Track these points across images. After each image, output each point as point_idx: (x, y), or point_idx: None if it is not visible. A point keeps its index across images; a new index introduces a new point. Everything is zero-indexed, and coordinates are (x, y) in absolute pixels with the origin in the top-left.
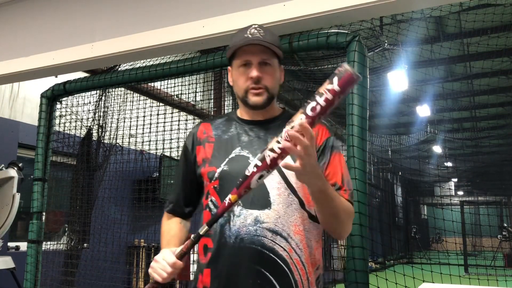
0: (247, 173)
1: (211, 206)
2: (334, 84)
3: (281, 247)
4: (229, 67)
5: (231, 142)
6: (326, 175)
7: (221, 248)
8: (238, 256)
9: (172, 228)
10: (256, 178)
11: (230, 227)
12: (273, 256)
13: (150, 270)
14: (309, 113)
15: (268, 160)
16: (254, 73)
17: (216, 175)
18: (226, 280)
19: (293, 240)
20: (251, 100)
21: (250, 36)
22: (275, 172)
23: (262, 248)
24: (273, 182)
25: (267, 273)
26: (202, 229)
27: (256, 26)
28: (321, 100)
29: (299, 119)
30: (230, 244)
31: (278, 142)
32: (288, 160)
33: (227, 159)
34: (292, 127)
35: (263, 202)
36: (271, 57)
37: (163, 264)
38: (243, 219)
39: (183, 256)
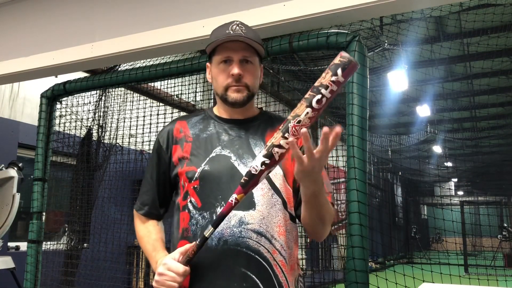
0: (254, 171)
1: (190, 207)
2: (339, 75)
3: (266, 248)
4: (207, 63)
5: (211, 141)
6: None
7: (202, 251)
8: (222, 259)
9: (151, 231)
10: (264, 175)
11: None
12: (258, 258)
13: (155, 284)
14: (315, 106)
15: (276, 156)
16: (235, 70)
17: (197, 175)
18: (208, 284)
19: (277, 241)
20: (230, 96)
21: (231, 32)
22: None
23: (247, 250)
24: None
25: (252, 276)
26: (208, 231)
27: (238, 22)
28: (326, 92)
29: (306, 112)
30: (213, 247)
31: (285, 137)
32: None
33: (207, 159)
34: (299, 122)
35: (247, 202)
36: (252, 54)
37: (171, 275)
38: (227, 220)
39: (190, 262)
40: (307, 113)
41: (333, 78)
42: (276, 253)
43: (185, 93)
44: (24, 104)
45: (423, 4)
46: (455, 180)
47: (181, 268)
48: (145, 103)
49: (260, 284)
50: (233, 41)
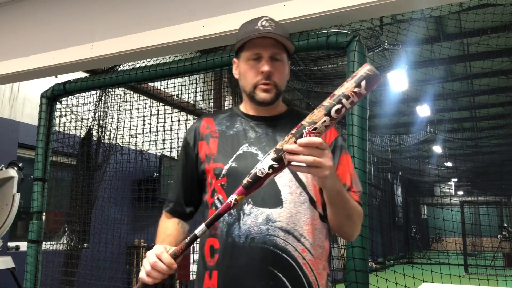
0: (260, 174)
1: (218, 205)
2: (362, 87)
3: (293, 247)
4: (234, 59)
5: (238, 138)
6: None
7: (229, 249)
8: (249, 257)
9: (168, 227)
10: (270, 179)
11: (239, 226)
12: (285, 256)
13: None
14: (334, 115)
15: (285, 161)
16: (265, 67)
17: (224, 172)
18: (235, 282)
19: (306, 240)
20: (259, 96)
21: (261, 28)
22: (285, 170)
23: (274, 248)
24: (284, 180)
25: (279, 274)
26: (200, 230)
27: (267, 18)
28: (347, 102)
29: (323, 120)
30: (240, 244)
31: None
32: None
33: (234, 156)
34: (315, 129)
35: (274, 200)
36: (281, 51)
37: (153, 260)
38: (254, 217)
39: (177, 258)
40: (324, 121)
41: (356, 90)
42: (306, 252)
43: (185, 93)
44: (24, 104)
45: (423, 4)
46: (455, 180)
47: (167, 258)
48: (145, 103)
49: (287, 283)
50: (263, 38)
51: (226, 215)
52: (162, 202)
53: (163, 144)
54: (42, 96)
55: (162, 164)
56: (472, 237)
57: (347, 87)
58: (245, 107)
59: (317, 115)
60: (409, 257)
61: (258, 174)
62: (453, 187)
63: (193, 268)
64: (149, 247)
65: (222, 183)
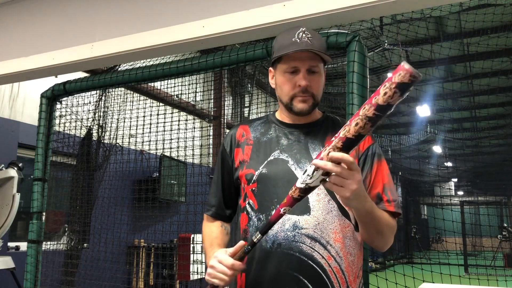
0: (312, 184)
1: (249, 209)
2: (405, 95)
3: (320, 254)
4: (270, 68)
5: (270, 145)
6: (368, 185)
7: (257, 253)
8: (275, 262)
9: (213, 230)
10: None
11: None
12: (311, 263)
13: (207, 277)
14: (379, 123)
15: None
16: (302, 82)
17: (255, 177)
18: (261, 286)
19: (332, 247)
20: (296, 107)
21: (298, 40)
22: None
23: (300, 255)
24: None
25: (305, 280)
26: (255, 238)
27: (304, 29)
28: (391, 110)
29: (369, 131)
30: (267, 249)
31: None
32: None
33: (265, 162)
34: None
35: (302, 207)
36: (318, 63)
37: (221, 268)
38: (281, 224)
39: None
40: (370, 131)
41: (401, 99)
42: (332, 260)
43: (185, 93)
44: (24, 104)
45: (423, 4)
46: (455, 180)
47: (231, 260)
48: (145, 103)
49: None
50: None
51: (255, 219)
52: (162, 202)
53: (163, 144)
54: (42, 96)
55: (162, 164)
56: (472, 237)
57: (392, 96)
58: (280, 115)
59: (365, 128)
60: (409, 257)
61: (307, 188)
62: (453, 187)
63: (193, 268)
64: (149, 247)
65: (253, 188)
